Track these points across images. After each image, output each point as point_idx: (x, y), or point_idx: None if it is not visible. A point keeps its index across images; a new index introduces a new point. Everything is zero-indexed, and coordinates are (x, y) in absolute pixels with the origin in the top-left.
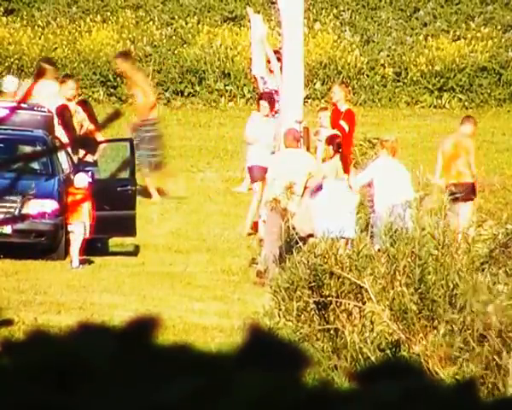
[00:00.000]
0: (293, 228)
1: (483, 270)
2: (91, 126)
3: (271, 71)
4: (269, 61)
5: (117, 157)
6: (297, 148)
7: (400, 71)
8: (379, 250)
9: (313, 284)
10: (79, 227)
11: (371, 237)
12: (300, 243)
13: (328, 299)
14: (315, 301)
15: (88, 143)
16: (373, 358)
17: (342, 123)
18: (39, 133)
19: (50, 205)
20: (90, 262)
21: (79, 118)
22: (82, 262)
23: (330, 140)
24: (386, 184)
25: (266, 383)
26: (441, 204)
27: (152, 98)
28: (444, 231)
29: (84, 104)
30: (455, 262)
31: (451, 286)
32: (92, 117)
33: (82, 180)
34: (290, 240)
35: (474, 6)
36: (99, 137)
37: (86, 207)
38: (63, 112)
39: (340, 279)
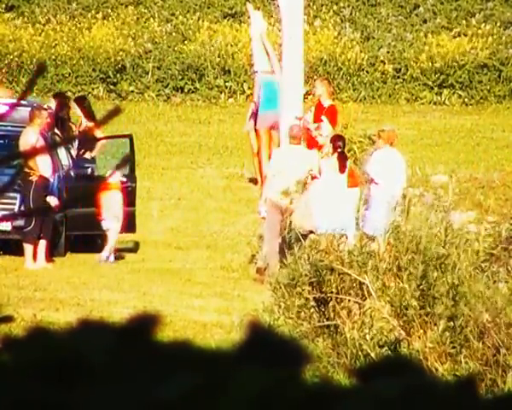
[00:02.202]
0: (294, 225)
1: (484, 267)
2: (89, 123)
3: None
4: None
5: (116, 154)
6: (298, 144)
7: (400, 67)
8: (370, 238)
9: (313, 281)
10: (113, 222)
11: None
12: (302, 240)
13: (329, 295)
14: (315, 298)
15: (86, 139)
16: (373, 354)
17: (323, 118)
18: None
19: (51, 201)
20: (120, 257)
21: (76, 115)
22: (116, 258)
23: (333, 139)
24: (384, 172)
25: (266, 379)
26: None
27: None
28: (446, 227)
29: (82, 101)
30: (457, 259)
31: (454, 283)
32: (90, 114)
33: (115, 175)
34: (291, 236)
35: (474, 3)
36: (98, 134)
37: (119, 201)
38: (61, 109)
39: (341, 275)
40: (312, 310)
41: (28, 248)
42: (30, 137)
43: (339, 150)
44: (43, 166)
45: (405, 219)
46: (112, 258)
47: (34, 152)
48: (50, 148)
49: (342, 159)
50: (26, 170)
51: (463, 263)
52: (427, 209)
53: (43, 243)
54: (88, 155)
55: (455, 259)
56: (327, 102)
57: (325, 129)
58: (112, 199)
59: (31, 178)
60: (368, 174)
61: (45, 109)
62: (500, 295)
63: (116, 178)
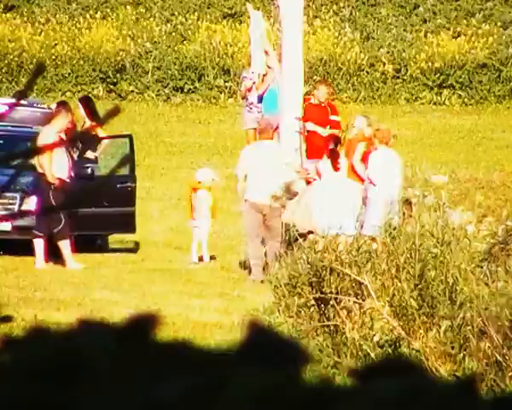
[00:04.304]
0: (293, 225)
1: (482, 267)
2: (92, 123)
3: (269, 67)
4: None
5: (116, 154)
6: (268, 139)
7: (400, 68)
8: (369, 238)
9: (313, 281)
10: (203, 221)
11: (361, 226)
12: (300, 240)
13: (328, 295)
14: (315, 298)
15: (88, 139)
16: (373, 355)
17: (334, 117)
18: (39, 130)
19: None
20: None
21: (81, 115)
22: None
23: (328, 139)
24: (380, 172)
25: (266, 379)
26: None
27: None
28: (443, 227)
29: (86, 101)
30: (454, 259)
31: (451, 282)
32: (93, 114)
33: (204, 175)
34: (289, 236)
35: (473, 2)
36: (100, 133)
37: (208, 201)
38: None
39: (340, 276)
40: (312, 310)
41: (66, 247)
42: (48, 138)
43: (330, 147)
44: (59, 167)
45: (402, 219)
46: (207, 258)
47: (34, 152)
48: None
49: (334, 157)
50: (43, 172)
51: (461, 263)
52: (426, 209)
53: (41, 243)
54: (91, 155)
55: (452, 258)
56: (326, 102)
57: (358, 121)
58: (201, 199)
59: (49, 180)
60: (367, 175)
61: (68, 108)
62: (499, 294)
63: (206, 178)
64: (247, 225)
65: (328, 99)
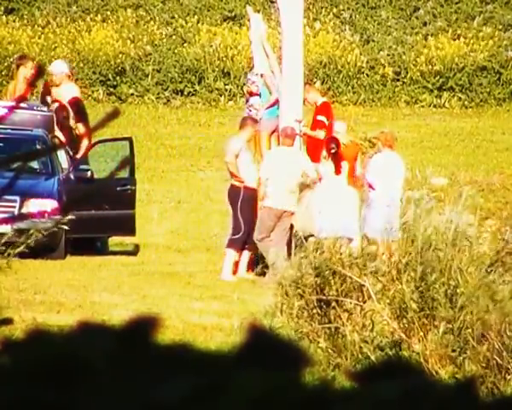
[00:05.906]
0: (296, 228)
1: (489, 271)
2: (80, 126)
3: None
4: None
5: (116, 156)
6: (290, 145)
7: (400, 70)
8: (370, 240)
9: (314, 283)
10: None
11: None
12: (304, 243)
13: (330, 298)
14: (316, 300)
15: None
16: (373, 357)
17: (320, 118)
18: (39, 132)
19: (50, 204)
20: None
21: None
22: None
23: (327, 141)
24: (383, 176)
25: (266, 382)
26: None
27: None
28: (455, 232)
29: (76, 103)
30: (456, 261)
31: (452, 285)
32: (81, 115)
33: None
34: (292, 239)
35: (473, 5)
36: (84, 134)
37: None
38: (59, 111)
39: (342, 278)
40: (313, 312)
41: (229, 257)
42: (237, 147)
43: (332, 151)
44: (247, 175)
45: (404, 221)
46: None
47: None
48: (50, 150)
49: (337, 160)
50: (233, 181)
51: (468, 266)
52: (426, 212)
53: (246, 254)
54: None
55: (456, 261)
56: (320, 101)
57: (338, 127)
58: None
59: (238, 186)
60: (366, 178)
61: (255, 120)
62: (503, 297)
63: None
64: (262, 230)
65: (320, 96)
